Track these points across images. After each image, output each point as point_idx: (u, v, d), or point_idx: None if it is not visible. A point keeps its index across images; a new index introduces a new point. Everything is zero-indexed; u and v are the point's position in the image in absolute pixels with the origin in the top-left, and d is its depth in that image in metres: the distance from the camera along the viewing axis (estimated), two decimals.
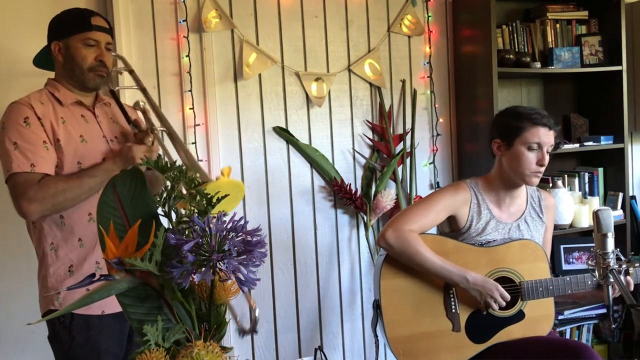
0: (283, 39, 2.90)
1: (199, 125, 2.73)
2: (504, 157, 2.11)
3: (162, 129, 1.97)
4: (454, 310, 2.06)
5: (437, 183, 3.24)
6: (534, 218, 2.22)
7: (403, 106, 3.16)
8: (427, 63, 3.19)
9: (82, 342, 1.87)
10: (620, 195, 3.28)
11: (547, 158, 2.08)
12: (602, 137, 3.25)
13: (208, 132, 2.76)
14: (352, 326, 3.12)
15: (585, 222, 3.18)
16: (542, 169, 2.09)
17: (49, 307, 1.89)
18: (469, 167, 3.19)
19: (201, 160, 2.74)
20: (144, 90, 2.08)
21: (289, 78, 2.92)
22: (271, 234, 2.91)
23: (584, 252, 3.30)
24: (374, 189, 3.06)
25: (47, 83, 1.97)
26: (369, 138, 3.09)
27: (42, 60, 2.00)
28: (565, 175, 3.29)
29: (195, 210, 1.01)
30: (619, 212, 3.25)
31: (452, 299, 2.07)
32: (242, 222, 0.98)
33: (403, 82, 3.15)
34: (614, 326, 3.15)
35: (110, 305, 1.83)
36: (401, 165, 3.12)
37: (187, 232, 1.00)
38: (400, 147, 3.12)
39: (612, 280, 1.67)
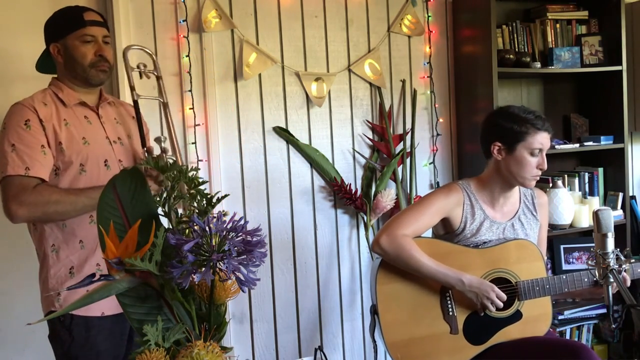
0: (283, 39, 2.90)
1: (199, 125, 2.73)
2: (504, 160, 2.10)
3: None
4: (451, 313, 2.06)
5: (437, 183, 3.24)
6: (527, 217, 2.22)
7: (403, 106, 3.16)
8: (427, 63, 3.20)
9: (81, 342, 1.87)
10: (620, 195, 3.28)
11: (546, 161, 2.09)
12: (602, 137, 3.25)
13: (208, 132, 2.76)
14: (352, 326, 3.12)
15: (585, 222, 3.18)
16: (541, 173, 2.11)
17: (49, 309, 1.89)
18: (469, 167, 3.19)
19: (201, 160, 2.74)
20: (164, 106, 2.05)
21: (289, 78, 2.92)
22: (271, 234, 2.91)
23: (584, 252, 3.30)
24: (374, 189, 3.06)
25: (51, 83, 1.96)
26: (369, 138, 3.10)
27: (44, 64, 2.00)
28: (565, 175, 3.29)
29: (195, 210, 1.01)
30: (619, 212, 3.25)
31: (449, 302, 2.07)
32: (242, 222, 0.98)
33: (403, 82, 3.15)
34: (614, 326, 3.15)
35: (110, 307, 1.84)
36: (401, 165, 3.12)
37: (187, 232, 1.00)
38: (400, 147, 3.12)
39: (612, 280, 1.67)
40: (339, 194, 2.99)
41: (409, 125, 3.15)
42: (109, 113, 2.02)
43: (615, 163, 3.32)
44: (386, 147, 3.08)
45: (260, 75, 2.86)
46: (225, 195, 1.04)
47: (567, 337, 3.20)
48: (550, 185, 3.10)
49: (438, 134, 3.24)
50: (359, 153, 3.08)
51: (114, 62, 2.24)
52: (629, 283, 1.94)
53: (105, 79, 1.96)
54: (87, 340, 1.88)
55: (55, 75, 1.97)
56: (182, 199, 1.02)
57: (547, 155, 2.11)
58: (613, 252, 1.69)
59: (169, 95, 2.66)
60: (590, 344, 3.29)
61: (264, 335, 2.94)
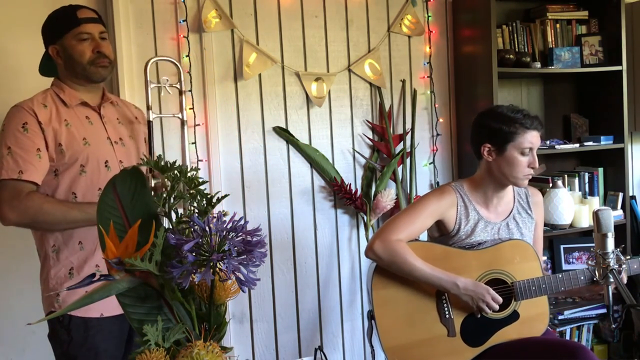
0: (283, 39, 2.90)
1: (199, 125, 2.73)
2: (495, 161, 2.09)
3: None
4: (447, 316, 2.06)
5: (437, 183, 3.24)
6: (522, 216, 2.22)
7: (403, 106, 3.16)
8: (427, 63, 3.20)
9: (80, 342, 1.87)
10: (620, 195, 3.28)
11: (537, 159, 2.08)
12: (602, 137, 3.25)
13: (208, 132, 2.76)
14: (352, 326, 3.12)
15: (585, 222, 3.18)
16: (533, 171, 2.10)
17: (50, 309, 1.89)
18: (469, 167, 3.18)
19: (201, 160, 2.74)
20: (183, 123, 2.04)
21: (289, 78, 2.92)
22: (271, 234, 2.91)
23: (584, 252, 3.30)
24: (374, 189, 3.06)
25: (53, 83, 1.96)
26: (369, 138, 3.10)
27: (47, 67, 1.99)
28: (565, 175, 3.28)
29: (195, 210, 1.01)
30: (619, 212, 3.25)
31: (445, 305, 2.06)
32: (242, 222, 0.98)
33: (403, 82, 3.15)
34: (614, 326, 3.15)
35: (110, 308, 1.84)
36: (401, 165, 3.12)
37: (187, 232, 1.00)
38: (400, 147, 3.12)
39: (612, 280, 1.67)
40: (339, 194, 2.99)
41: (409, 125, 3.15)
42: (111, 113, 2.01)
43: (615, 163, 3.32)
44: (386, 147, 3.08)
45: (260, 75, 2.86)
46: (225, 195, 1.04)
47: (567, 337, 3.20)
48: (550, 185, 3.10)
49: (438, 134, 3.24)
50: (359, 153, 3.08)
51: (115, 57, 2.25)
52: (625, 280, 1.94)
53: (107, 74, 1.95)
54: (86, 340, 1.87)
55: (58, 76, 1.97)
56: (182, 199, 1.02)
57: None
58: (613, 252, 1.69)
59: (169, 94, 2.68)
60: (590, 344, 3.29)
61: (264, 335, 2.94)
